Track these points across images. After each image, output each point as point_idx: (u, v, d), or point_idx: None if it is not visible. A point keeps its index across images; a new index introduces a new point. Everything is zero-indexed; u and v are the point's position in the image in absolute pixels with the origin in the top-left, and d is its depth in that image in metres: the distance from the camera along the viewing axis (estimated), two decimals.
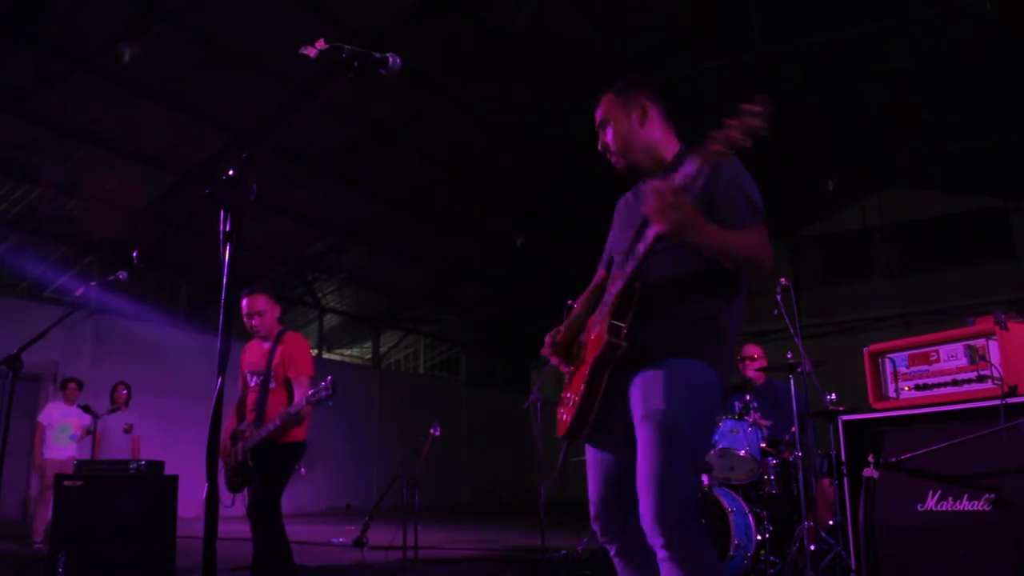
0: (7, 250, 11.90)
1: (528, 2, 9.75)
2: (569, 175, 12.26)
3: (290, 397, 4.25)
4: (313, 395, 3.87)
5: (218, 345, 1.71)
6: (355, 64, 1.89)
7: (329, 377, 3.87)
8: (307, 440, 4.32)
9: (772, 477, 5.10)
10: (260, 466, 4.16)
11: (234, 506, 4.07)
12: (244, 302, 4.36)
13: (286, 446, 4.21)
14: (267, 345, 4.40)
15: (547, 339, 2.56)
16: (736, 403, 5.48)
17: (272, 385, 4.29)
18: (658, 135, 2.47)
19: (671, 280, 2.34)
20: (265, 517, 4.06)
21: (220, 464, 4.20)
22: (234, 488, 4.24)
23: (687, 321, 2.32)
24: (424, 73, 10.29)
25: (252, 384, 4.39)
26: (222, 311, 1.76)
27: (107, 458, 7.71)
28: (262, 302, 4.37)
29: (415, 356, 20.38)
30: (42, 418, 8.69)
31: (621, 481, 2.35)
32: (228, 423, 4.41)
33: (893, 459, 3.32)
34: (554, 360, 2.56)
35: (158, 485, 5.41)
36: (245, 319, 4.38)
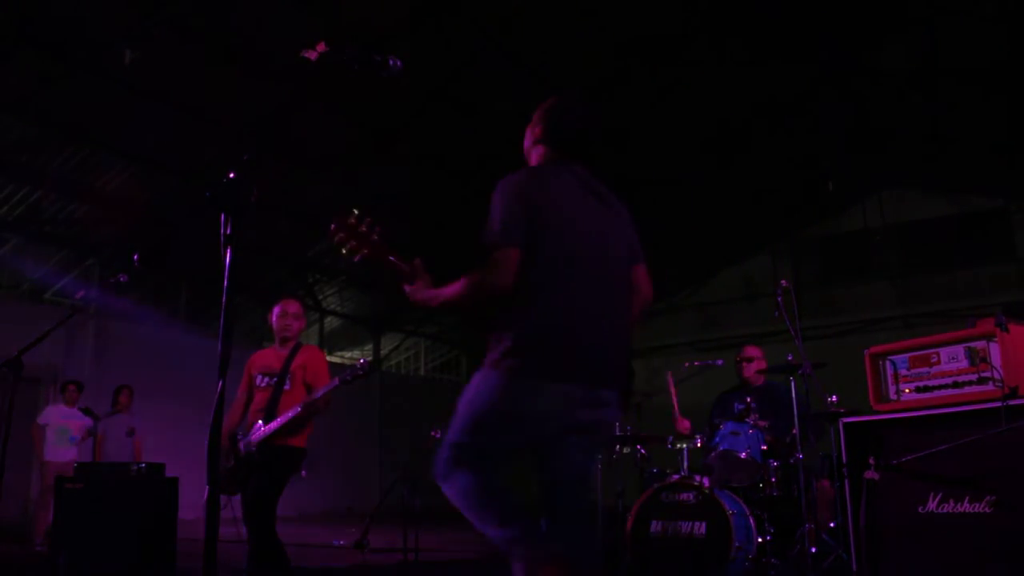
0: (8, 252, 11.90)
1: (528, 3, 9.75)
2: None
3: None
4: (348, 372, 4.02)
5: (219, 348, 1.71)
6: (356, 67, 1.89)
7: (362, 359, 4.16)
8: (306, 448, 4.33)
9: (773, 479, 5.10)
10: (260, 469, 4.16)
11: (225, 509, 4.06)
12: (281, 304, 4.57)
13: (287, 449, 4.20)
14: (284, 351, 4.46)
15: None
16: (736, 405, 5.47)
17: (287, 387, 4.32)
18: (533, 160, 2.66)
19: None
20: (261, 521, 4.04)
21: None
22: (224, 490, 4.24)
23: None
24: (424, 74, 10.29)
25: (262, 384, 4.38)
26: (223, 314, 1.76)
27: (109, 461, 7.72)
28: (298, 307, 4.61)
29: (416, 358, 20.35)
30: (41, 419, 8.68)
31: None
32: (227, 426, 4.41)
33: (894, 461, 3.32)
34: None
35: (159, 487, 5.41)
36: (279, 319, 4.50)
